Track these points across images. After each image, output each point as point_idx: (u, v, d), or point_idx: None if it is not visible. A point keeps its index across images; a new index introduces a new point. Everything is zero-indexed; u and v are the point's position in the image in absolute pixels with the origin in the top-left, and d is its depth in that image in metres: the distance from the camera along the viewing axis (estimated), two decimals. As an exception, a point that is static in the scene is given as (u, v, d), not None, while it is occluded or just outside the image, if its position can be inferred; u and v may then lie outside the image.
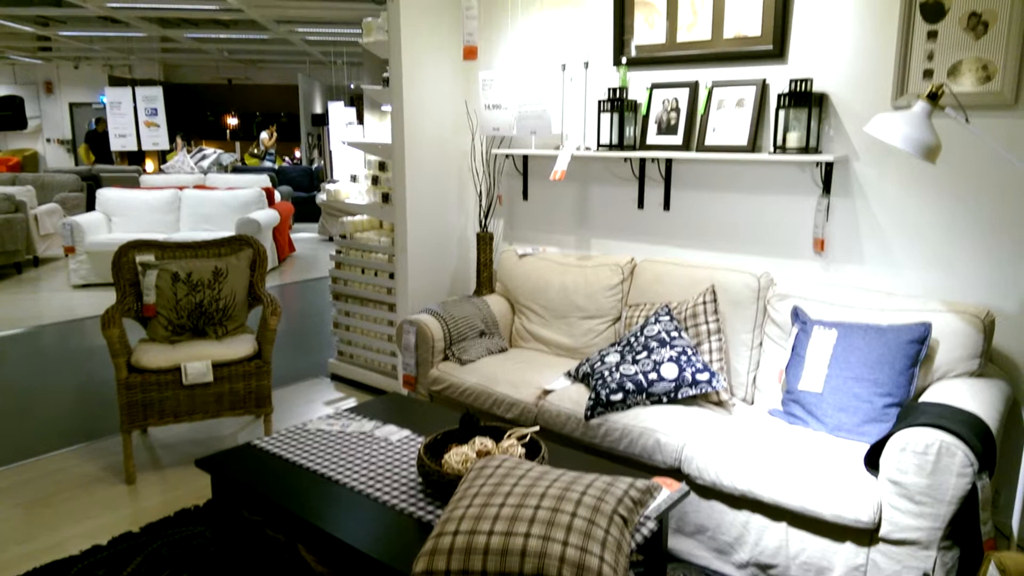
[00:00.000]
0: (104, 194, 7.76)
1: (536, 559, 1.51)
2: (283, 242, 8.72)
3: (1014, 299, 2.64)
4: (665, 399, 2.77)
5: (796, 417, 2.64)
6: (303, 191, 12.63)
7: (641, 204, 3.53)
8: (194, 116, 16.87)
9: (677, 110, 3.29)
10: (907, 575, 2.11)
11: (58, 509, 2.99)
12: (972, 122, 2.61)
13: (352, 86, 14.54)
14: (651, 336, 2.93)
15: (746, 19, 3.06)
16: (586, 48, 3.58)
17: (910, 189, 2.79)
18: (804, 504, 2.22)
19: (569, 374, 3.08)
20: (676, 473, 2.56)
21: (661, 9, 3.29)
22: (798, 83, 2.85)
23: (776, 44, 2.99)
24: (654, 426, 2.62)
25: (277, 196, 9.03)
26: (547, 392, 2.96)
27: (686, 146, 3.26)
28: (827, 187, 2.96)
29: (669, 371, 2.77)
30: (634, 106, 3.39)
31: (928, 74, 2.70)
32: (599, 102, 3.39)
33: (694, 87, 3.25)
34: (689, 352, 2.84)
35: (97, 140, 13.24)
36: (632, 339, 2.99)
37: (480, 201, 4.06)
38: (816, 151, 2.92)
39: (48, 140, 14.76)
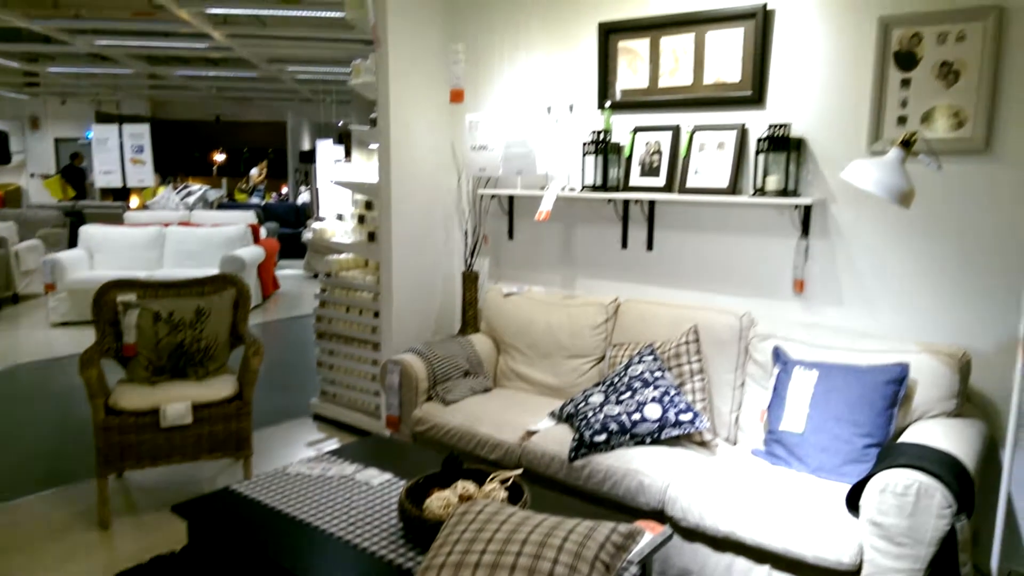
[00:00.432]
0: (87, 231, 7.73)
1: (517, 607, 1.49)
2: (268, 279, 8.70)
3: (988, 339, 2.68)
4: (649, 440, 2.77)
5: (778, 458, 2.64)
6: (290, 227, 12.64)
7: (625, 244, 3.57)
8: (181, 152, 16.91)
9: (659, 153, 3.35)
10: (891, 619, 2.10)
11: (31, 556, 2.92)
12: (945, 167, 2.68)
13: (340, 124, 14.67)
14: (635, 376, 2.94)
15: (726, 66, 3.14)
16: (571, 91, 3.65)
17: (886, 232, 2.84)
18: (787, 546, 2.22)
19: (553, 414, 3.08)
20: (660, 515, 2.55)
21: (644, 55, 3.37)
22: (776, 128, 2.92)
23: (755, 90, 3.06)
24: (638, 467, 2.61)
25: (263, 232, 9.02)
26: (531, 433, 2.95)
27: (668, 188, 3.31)
28: (806, 229, 3.01)
29: (652, 411, 2.78)
30: (618, 148, 3.44)
31: (902, 120, 2.77)
32: (584, 144, 3.45)
33: (676, 131, 3.31)
34: (672, 392, 2.85)
35: (73, 174, 13.22)
36: (616, 379, 3.00)
37: (466, 240, 4.09)
38: (794, 194, 2.98)
39: (32, 175, 14.71)
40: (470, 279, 3.93)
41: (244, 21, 7.74)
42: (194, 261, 7.80)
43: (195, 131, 17.06)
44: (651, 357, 3.01)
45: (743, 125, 3.12)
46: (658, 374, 2.93)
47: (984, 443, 2.45)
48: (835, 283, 2.98)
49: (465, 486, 2.03)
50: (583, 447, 2.75)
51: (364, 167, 4.72)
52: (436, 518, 1.92)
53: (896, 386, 2.51)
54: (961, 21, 2.61)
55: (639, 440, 2.76)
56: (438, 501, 1.94)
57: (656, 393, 2.84)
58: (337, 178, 4.53)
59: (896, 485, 2.07)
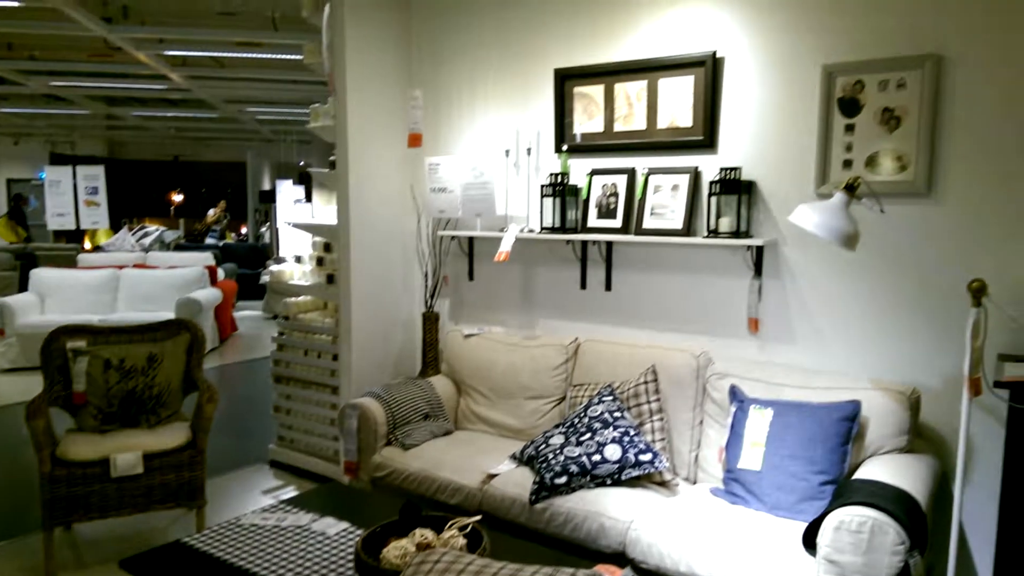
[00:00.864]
0: (38, 274, 7.53)
1: (474, 660, 1.46)
2: (225, 321, 8.55)
3: (936, 376, 2.75)
4: (609, 481, 2.76)
5: (737, 496, 2.66)
6: (249, 268, 12.49)
7: (584, 285, 3.60)
8: (139, 193, 16.66)
9: (616, 195, 3.41)
10: (850, 658, 2.10)
11: (-33, 616, 2.78)
12: (890, 209, 2.77)
13: (302, 164, 14.64)
14: (594, 417, 2.95)
15: (678, 111, 3.23)
16: (529, 135, 3.71)
17: (835, 272, 2.92)
18: (747, 588, 2.22)
19: (514, 457, 3.06)
20: (621, 557, 2.54)
21: (599, 101, 3.44)
22: (727, 171, 3.00)
23: (706, 135, 3.15)
24: (599, 509, 2.60)
25: (221, 274, 8.89)
26: (492, 476, 2.92)
27: (625, 229, 3.37)
28: (758, 269, 3.08)
29: (613, 452, 2.78)
30: (575, 191, 3.50)
31: (848, 164, 2.87)
32: (542, 186, 3.49)
33: (631, 173, 3.38)
34: (632, 433, 2.86)
35: (20, 216, 12.92)
36: (576, 420, 3.00)
37: (426, 281, 4.09)
38: (747, 235, 3.05)
39: (-19, 218, 14.31)
40: (430, 320, 3.92)
41: (203, 63, 7.73)
42: (150, 304, 7.64)
43: (153, 171, 16.84)
44: (610, 397, 3.02)
45: (696, 168, 3.20)
46: (618, 414, 2.94)
47: (935, 478, 2.50)
48: (788, 322, 3.04)
49: (423, 534, 1.99)
50: (544, 490, 2.73)
51: (325, 208, 4.71)
52: (393, 568, 1.88)
53: (849, 423, 2.56)
54: (900, 69, 2.74)
55: (600, 481, 2.75)
56: (395, 551, 1.91)
57: (616, 433, 2.84)
58: (294, 220, 4.51)
59: (851, 523, 2.10)
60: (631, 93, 3.35)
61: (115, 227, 12.35)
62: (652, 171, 3.30)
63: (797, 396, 2.75)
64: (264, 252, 13.24)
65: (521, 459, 3.01)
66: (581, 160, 3.55)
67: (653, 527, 2.47)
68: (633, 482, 2.80)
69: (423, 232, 4.14)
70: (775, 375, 2.87)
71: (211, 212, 15.08)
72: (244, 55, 7.15)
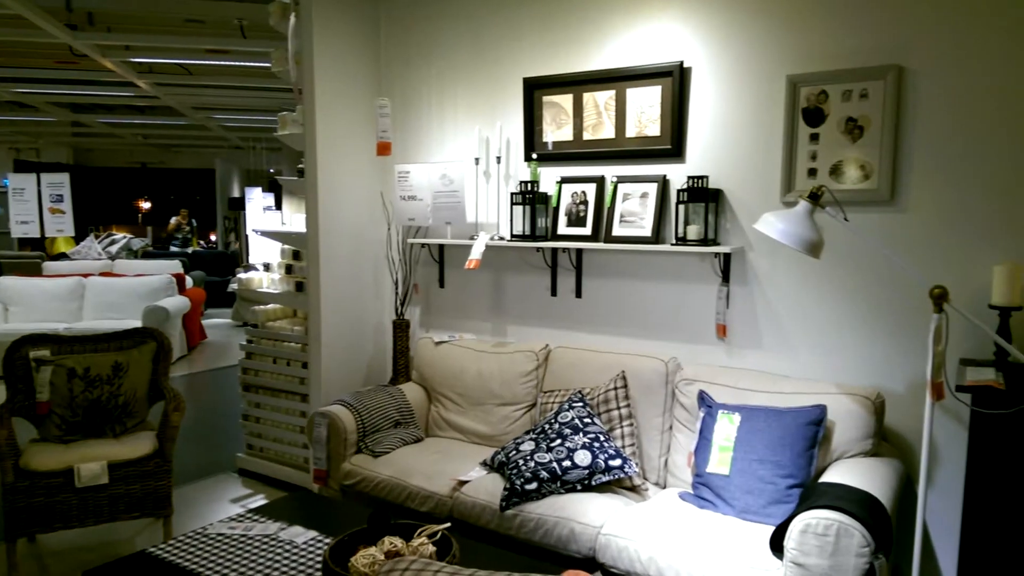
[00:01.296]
0: (2, 282, 7.37)
1: (443, 667, 1.45)
2: (194, 329, 8.43)
3: (900, 380, 2.81)
4: (580, 486, 2.77)
5: (706, 500, 2.68)
6: (218, 275, 12.33)
7: (554, 292, 3.62)
8: (105, 200, 16.38)
9: (585, 203, 3.43)
10: (817, 659, 2.13)
11: (-79, 634, 2.70)
12: (854, 217, 2.83)
13: (271, 171, 14.51)
14: (565, 423, 2.96)
15: (646, 120, 3.26)
16: (499, 143, 3.72)
17: (800, 278, 2.97)
18: (716, 591, 2.24)
19: (485, 463, 3.05)
20: (591, 562, 2.54)
21: (568, 110, 3.47)
22: (695, 180, 3.04)
23: (674, 144, 3.19)
24: (569, 515, 2.61)
25: (189, 282, 8.77)
26: (462, 483, 2.92)
27: (594, 237, 3.39)
28: (726, 276, 3.12)
29: (583, 458, 2.79)
30: (545, 198, 3.52)
31: (812, 172, 2.93)
32: (512, 194, 3.51)
33: (600, 181, 3.41)
34: (602, 438, 2.87)
35: None
36: (547, 426, 3.00)
37: (396, 289, 4.07)
38: (714, 243, 3.09)
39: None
40: (401, 328, 3.91)
41: (170, 70, 7.65)
42: (116, 312, 7.51)
43: (120, 178, 16.58)
44: (580, 403, 3.04)
45: (664, 176, 3.23)
46: (588, 420, 2.95)
47: (900, 481, 2.55)
48: (755, 328, 3.08)
49: (392, 542, 1.98)
50: (514, 496, 2.73)
51: (295, 216, 4.68)
52: (362, 577, 1.86)
53: (815, 427, 2.59)
54: (863, 80, 2.80)
55: (570, 487, 2.76)
56: (363, 559, 1.89)
57: (586, 439, 2.85)
58: (262, 228, 4.47)
59: (817, 526, 2.13)
60: (600, 102, 3.38)
61: (82, 235, 12.12)
62: (621, 179, 3.33)
63: (764, 401, 2.79)
64: (233, 259, 13.09)
65: (492, 466, 3.01)
66: (551, 168, 3.57)
67: (623, 532, 2.48)
68: (603, 487, 2.81)
69: (393, 240, 4.13)
70: (743, 380, 2.91)
71: (172, 220, 14.84)
72: (212, 62, 7.09)
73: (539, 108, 3.55)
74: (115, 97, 9.30)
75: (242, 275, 4.61)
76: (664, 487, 3.03)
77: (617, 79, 3.31)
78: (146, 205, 17.00)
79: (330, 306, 3.84)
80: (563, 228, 3.48)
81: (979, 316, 2.54)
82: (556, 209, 3.51)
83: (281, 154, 14.49)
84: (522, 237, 3.49)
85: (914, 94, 2.72)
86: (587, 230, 3.41)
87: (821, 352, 2.95)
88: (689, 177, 3.06)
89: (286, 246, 4.30)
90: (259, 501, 3.97)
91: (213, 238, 16.50)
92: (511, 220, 3.55)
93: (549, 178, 3.57)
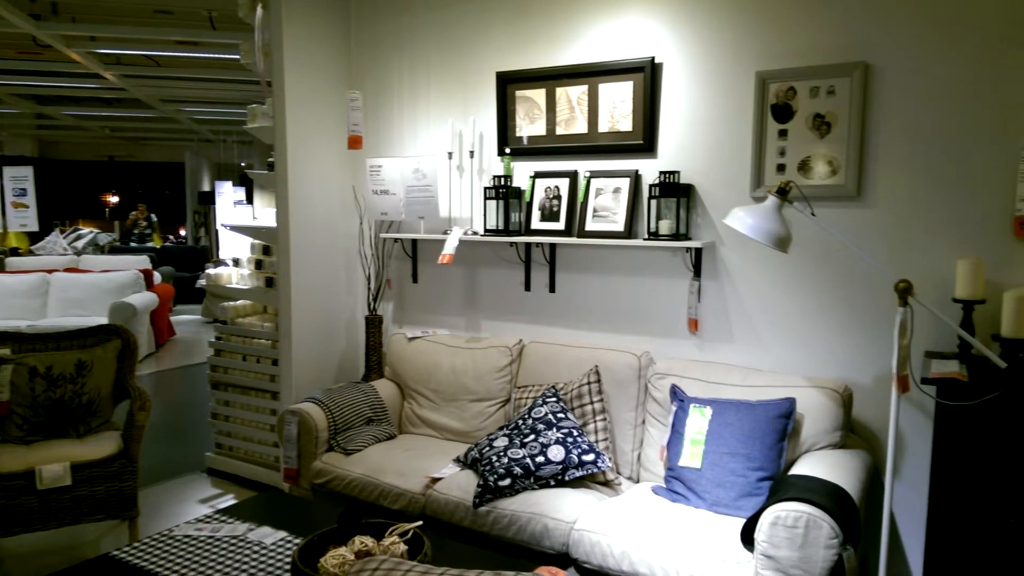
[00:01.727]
0: (-39, 278, 7.19)
1: (412, 668, 1.44)
2: (162, 326, 8.30)
3: (868, 373, 2.84)
4: (553, 482, 2.77)
5: (678, 494, 2.69)
6: (187, 271, 12.15)
7: (528, 287, 3.61)
8: (71, 194, 16.05)
9: (559, 197, 3.42)
10: (786, 651, 2.15)
11: None
12: (822, 212, 2.85)
13: (242, 164, 14.30)
14: (538, 418, 2.95)
15: (619, 115, 3.26)
16: (472, 137, 3.70)
17: (770, 272, 2.99)
18: (687, 584, 2.25)
19: (458, 460, 3.04)
20: (565, 558, 2.55)
21: (541, 105, 3.46)
22: (667, 175, 3.05)
23: (646, 139, 3.19)
24: (542, 511, 2.61)
25: (157, 278, 8.63)
26: (435, 480, 2.90)
27: (568, 232, 3.39)
28: (697, 271, 3.13)
29: (556, 453, 2.79)
30: (518, 193, 3.50)
31: (781, 168, 2.95)
32: (485, 189, 3.49)
33: (573, 176, 3.40)
34: (575, 433, 2.87)
35: None
36: (520, 422, 3.00)
37: (369, 284, 4.04)
38: (686, 237, 3.10)
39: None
40: (374, 323, 3.87)
41: (138, 61, 7.50)
42: (81, 309, 7.36)
43: (87, 172, 16.25)
44: (554, 399, 3.03)
45: (637, 171, 3.24)
46: (561, 415, 2.95)
47: (868, 472, 2.58)
48: (727, 322, 3.10)
49: (363, 541, 1.96)
50: (488, 492, 2.72)
51: (266, 210, 4.62)
52: (332, 577, 1.84)
53: (785, 420, 2.62)
54: (830, 76, 2.82)
55: (544, 483, 2.76)
56: (333, 559, 1.87)
57: (559, 435, 2.85)
58: (232, 223, 4.40)
59: (786, 518, 2.15)
60: (572, 97, 3.37)
61: (47, 229, 11.87)
62: (594, 174, 3.32)
63: (735, 395, 2.81)
64: (203, 255, 12.91)
65: (465, 462, 3.00)
66: (524, 163, 3.56)
67: (596, 527, 2.49)
68: (577, 482, 2.81)
69: (366, 234, 4.09)
70: (714, 374, 2.92)
71: (131, 215, 14.57)
72: (181, 54, 6.96)
73: (512, 102, 3.53)
74: (81, 89, 9.10)
75: (211, 271, 4.54)
76: (637, 481, 3.04)
77: (590, 74, 3.31)
78: (114, 199, 16.68)
79: (301, 302, 3.80)
80: (536, 223, 3.47)
81: (943, 310, 2.58)
82: (529, 204, 3.50)
83: (252, 147, 14.31)
84: (495, 232, 3.48)
85: (880, 91, 2.75)
86: (560, 225, 3.40)
87: (790, 346, 2.98)
88: (661, 172, 3.06)
89: (256, 241, 4.24)
90: (228, 501, 3.92)
91: (183, 233, 16.25)
92: (484, 215, 3.54)
93: (522, 173, 3.56)
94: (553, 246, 3.50)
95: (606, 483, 2.88)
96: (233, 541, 2.33)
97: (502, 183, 3.44)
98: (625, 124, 3.25)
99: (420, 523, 2.06)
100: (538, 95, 3.46)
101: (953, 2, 2.59)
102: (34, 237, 11.32)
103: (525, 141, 3.52)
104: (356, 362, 4.17)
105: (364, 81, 4.03)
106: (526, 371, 3.34)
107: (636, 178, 3.23)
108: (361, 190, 4.05)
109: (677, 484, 2.71)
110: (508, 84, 3.52)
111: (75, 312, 7.34)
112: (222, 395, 4.26)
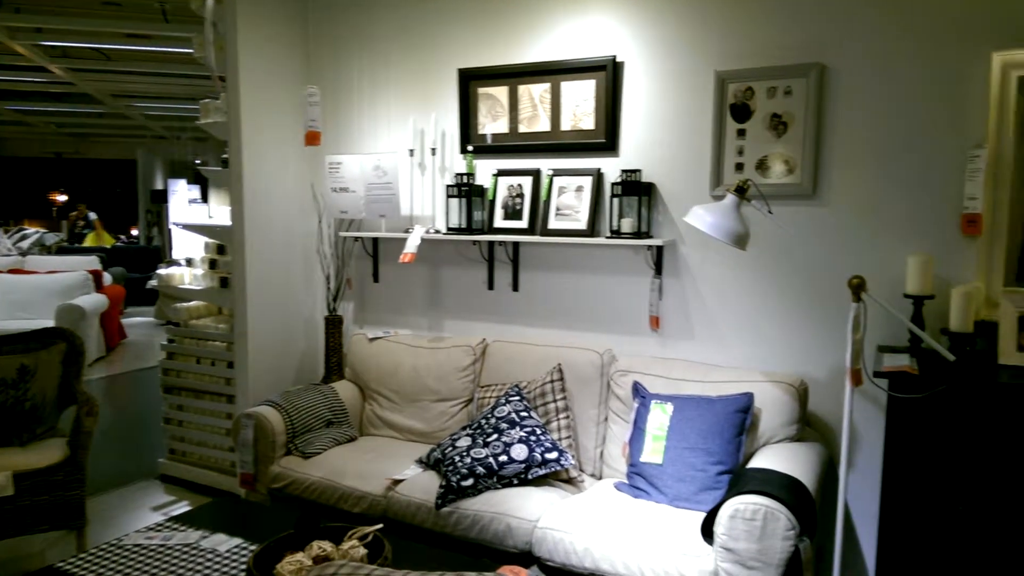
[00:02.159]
0: None
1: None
2: (113, 328, 8.06)
3: (823, 367, 2.89)
4: (516, 481, 2.76)
5: (640, 490, 2.71)
6: (139, 272, 11.83)
7: (491, 285, 3.59)
8: (16, 193, 15.51)
9: (521, 196, 3.41)
10: (747, 644, 2.17)
11: None
12: (778, 210, 2.89)
13: (197, 162, 13.99)
14: (501, 417, 2.94)
15: (581, 114, 3.26)
16: (434, 135, 3.67)
17: (729, 270, 3.03)
18: (650, 580, 2.26)
19: (420, 461, 3.01)
20: (528, 556, 2.54)
21: (504, 102, 3.44)
22: (628, 173, 3.06)
23: (608, 138, 3.20)
24: (505, 510, 2.59)
25: (107, 278, 8.38)
26: (397, 482, 2.86)
27: (531, 230, 3.38)
28: (658, 269, 3.15)
29: (519, 452, 2.78)
30: (481, 191, 3.48)
31: (740, 167, 2.98)
32: (448, 187, 3.46)
33: (536, 174, 3.39)
34: (538, 432, 2.86)
35: None
36: (483, 421, 2.98)
37: (328, 284, 3.97)
38: (647, 236, 3.11)
39: None
40: (334, 324, 3.81)
41: (86, 55, 7.27)
42: (26, 312, 7.11)
43: (33, 169, 15.72)
44: (517, 397, 3.02)
45: (599, 170, 3.24)
46: (524, 414, 2.94)
47: (824, 465, 2.63)
48: (687, 318, 3.13)
49: (321, 546, 1.92)
50: (451, 493, 2.69)
51: (221, 209, 4.52)
52: (290, 582, 1.80)
53: (743, 415, 2.65)
54: (787, 77, 2.86)
55: (507, 482, 2.74)
56: (290, 565, 1.83)
57: (523, 433, 2.84)
58: (183, 222, 4.29)
59: (745, 511, 2.17)
60: (535, 95, 3.36)
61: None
62: (557, 172, 3.32)
63: (696, 390, 2.83)
64: (156, 255, 12.59)
65: (427, 463, 2.97)
66: (487, 161, 3.54)
67: (559, 525, 2.48)
68: (540, 481, 2.81)
69: (325, 233, 4.02)
70: (675, 370, 2.94)
71: (71, 215, 14.15)
72: (132, 48, 6.77)
73: (475, 100, 3.51)
74: (26, 83, 8.79)
75: (163, 271, 4.41)
76: (600, 478, 3.04)
77: (552, 72, 3.30)
78: (61, 198, 16.17)
79: (257, 302, 3.72)
80: (500, 221, 3.46)
81: (895, 305, 2.63)
82: (492, 202, 3.48)
83: (208, 144, 13.98)
84: (458, 230, 3.45)
85: (835, 92, 2.80)
86: (524, 223, 3.39)
87: (749, 341, 3.02)
88: (623, 171, 3.07)
89: (211, 240, 4.14)
90: (182, 508, 3.82)
91: (135, 233, 15.82)
92: (447, 213, 3.50)
93: (485, 171, 3.54)
94: (516, 244, 3.49)
95: (569, 480, 2.88)
96: (185, 549, 2.27)
97: (465, 181, 3.41)
98: (588, 122, 3.25)
99: (380, 526, 2.03)
100: (501, 93, 3.44)
101: (907, 5, 2.65)
102: (-24, 237, 10.89)
103: (489, 139, 3.50)
104: (316, 364, 4.10)
105: (323, 76, 3.97)
106: (489, 370, 3.32)
107: (598, 176, 3.24)
108: (320, 188, 3.99)
109: (639, 480, 2.73)
110: (471, 81, 3.50)
111: (20, 315, 7.08)
112: (175, 399, 4.15)
